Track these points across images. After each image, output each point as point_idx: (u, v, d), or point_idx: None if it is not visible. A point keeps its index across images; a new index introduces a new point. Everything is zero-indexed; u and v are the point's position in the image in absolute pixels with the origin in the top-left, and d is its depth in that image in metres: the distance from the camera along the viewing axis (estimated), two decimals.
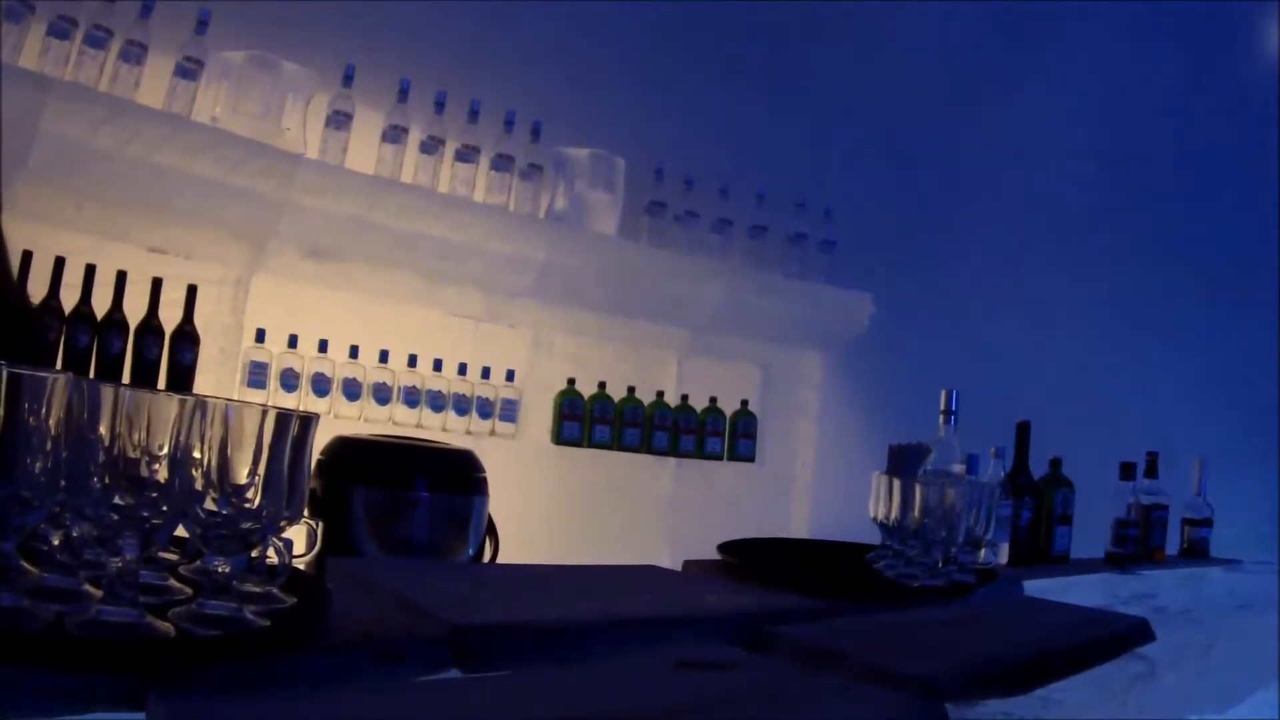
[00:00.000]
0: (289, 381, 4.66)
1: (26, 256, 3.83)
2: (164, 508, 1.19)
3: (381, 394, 4.89)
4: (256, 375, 4.60)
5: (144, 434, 1.18)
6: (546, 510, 5.01)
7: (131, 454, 1.18)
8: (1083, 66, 7.07)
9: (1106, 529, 4.27)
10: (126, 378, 4.22)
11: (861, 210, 6.29)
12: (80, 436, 1.16)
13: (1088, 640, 2.12)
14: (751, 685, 1.46)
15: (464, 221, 4.96)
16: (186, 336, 4.37)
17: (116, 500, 1.18)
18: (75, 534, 1.20)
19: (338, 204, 4.62)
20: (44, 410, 1.15)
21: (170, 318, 4.34)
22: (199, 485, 1.21)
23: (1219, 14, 7.61)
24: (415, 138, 4.94)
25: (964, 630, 2.12)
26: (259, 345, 4.61)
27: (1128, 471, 4.29)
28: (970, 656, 1.81)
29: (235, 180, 4.32)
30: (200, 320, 4.41)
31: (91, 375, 4.05)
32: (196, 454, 1.21)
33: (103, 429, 1.17)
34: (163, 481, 1.19)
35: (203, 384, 4.40)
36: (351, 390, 4.81)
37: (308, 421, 1.29)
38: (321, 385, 4.74)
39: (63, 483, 1.16)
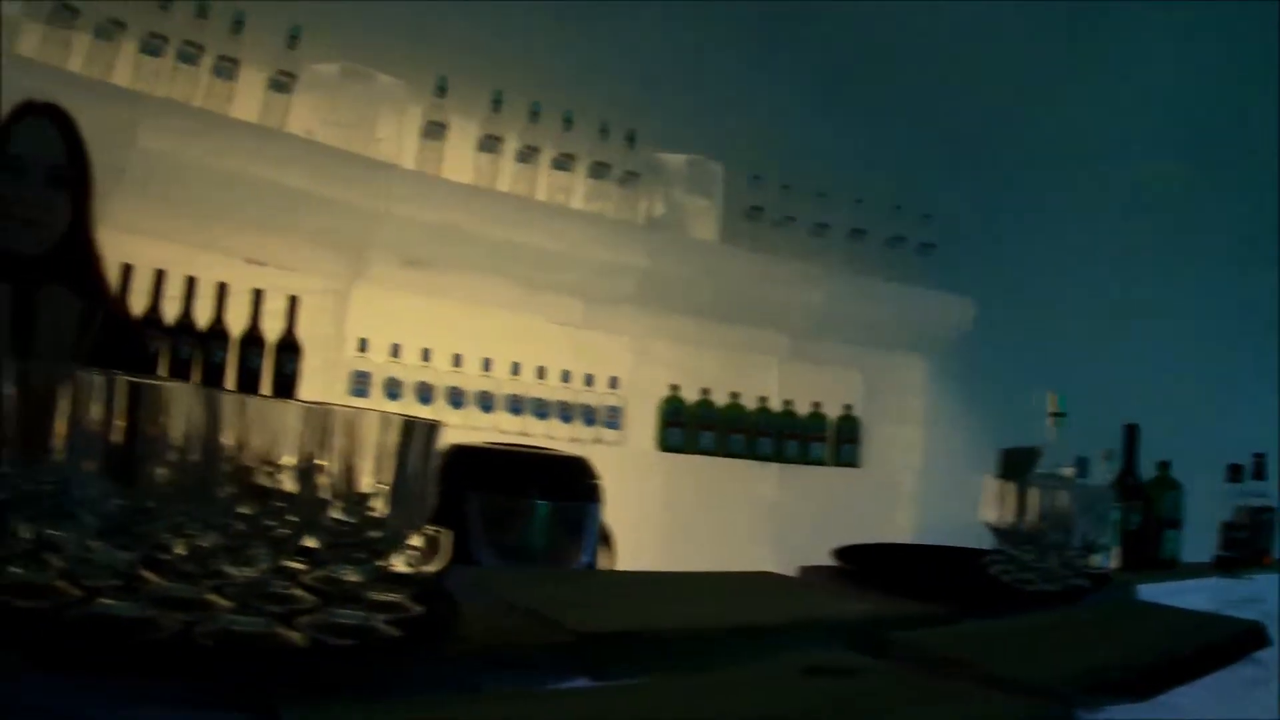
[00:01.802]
0: (393, 390, 4.70)
1: (126, 269, 3.87)
2: (291, 517, 1.18)
3: (485, 402, 4.91)
4: (360, 384, 4.64)
5: (269, 443, 1.18)
6: (653, 516, 5.00)
7: (257, 463, 1.18)
8: (1168, 58, 6.99)
9: (1212, 532, 4.19)
10: (230, 388, 4.24)
11: (960, 213, 6.25)
12: (205, 446, 1.15)
13: (1207, 643, 2.07)
14: (876, 691, 1.44)
15: (562, 229, 4.98)
16: (289, 346, 4.43)
17: (243, 510, 1.17)
18: (204, 544, 1.19)
19: (434, 213, 4.64)
20: (167, 419, 1.14)
21: (272, 328, 4.40)
22: (325, 494, 1.20)
23: None
24: (511, 147, 4.96)
25: (1083, 635, 2.09)
26: (362, 354, 4.65)
27: (1235, 473, 4.20)
28: (1092, 661, 1.77)
29: (331, 191, 4.37)
30: (302, 331, 4.46)
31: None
32: (322, 463, 1.20)
33: (227, 438, 1.16)
34: (289, 490, 1.18)
35: (306, 393, 4.43)
36: (456, 398, 4.84)
37: (433, 429, 1.28)
38: (426, 393, 4.77)
39: (189, 493, 1.15)
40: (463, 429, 4.76)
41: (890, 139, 6.11)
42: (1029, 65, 6.47)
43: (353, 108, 4.59)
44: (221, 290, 4.28)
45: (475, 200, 4.77)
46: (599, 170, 5.18)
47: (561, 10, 5.16)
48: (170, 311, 4.13)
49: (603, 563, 2.93)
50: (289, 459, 1.19)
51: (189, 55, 4.19)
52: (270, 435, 1.19)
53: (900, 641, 1.72)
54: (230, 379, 4.28)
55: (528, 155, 4.98)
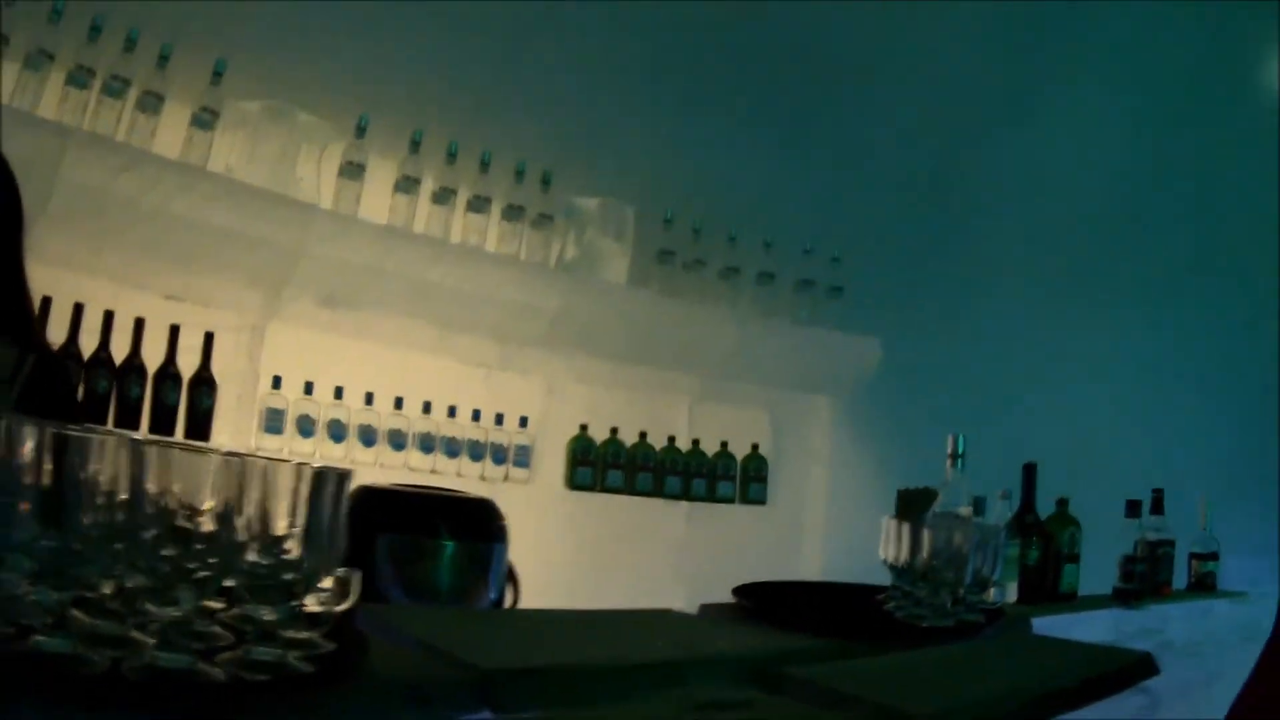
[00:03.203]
0: (305, 427, 4.71)
1: (46, 302, 3.89)
2: (211, 560, 1.25)
3: (397, 440, 4.94)
4: (273, 421, 4.65)
5: (190, 489, 1.24)
6: (561, 554, 5.03)
7: (178, 508, 1.24)
8: (1090, 106, 7.11)
9: (1115, 565, 4.31)
10: (145, 423, 4.27)
11: (869, 256, 6.33)
12: (132, 492, 1.22)
13: (1092, 675, 2.17)
14: None
15: (476, 271, 5.03)
16: (204, 382, 4.43)
17: (166, 552, 1.24)
18: (129, 584, 1.25)
19: (352, 253, 4.67)
20: (94, 468, 1.21)
21: (188, 364, 4.40)
22: (242, 538, 1.27)
23: (1227, 44, 7.66)
24: (428, 188, 5.00)
25: (972, 669, 2.18)
26: (275, 391, 4.67)
27: (1133, 509, 4.32)
28: (977, 694, 1.86)
29: (251, 229, 4.38)
30: (217, 367, 4.47)
31: (110, 420, 4.14)
32: (239, 508, 1.26)
33: (151, 485, 1.23)
34: (209, 534, 1.25)
35: (220, 429, 4.46)
36: (367, 436, 4.87)
37: (344, 477, 1.35)
38: (338, 431, 4.79)
39: (116, 536, 1.22)
40: (374, 467, 4.81)
41: (801, 183, 6.20)
42: (942, 111, 6.58)
43: (274, 145, 4.62)
44: (139, 325, 4.28)
45: (392, 241, 4.80)
46: (513, 213, 5.23)
47: (481, 53, 5.22)
48: (87, 346, 4.13)
49: (508, 601, 3.00)
50: (209, 504, 1.26)
51: (115, 89, 4.19)
52: (191, 482, 1.25)
53: (793, 676, 1.80)
54: (145, 414, 4.29)
55: (444, 197, 5.02)
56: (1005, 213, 6.81)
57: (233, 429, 4.53)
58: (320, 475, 1.32)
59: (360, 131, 4.81)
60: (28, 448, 1.22)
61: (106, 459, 1.22)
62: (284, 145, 4.66)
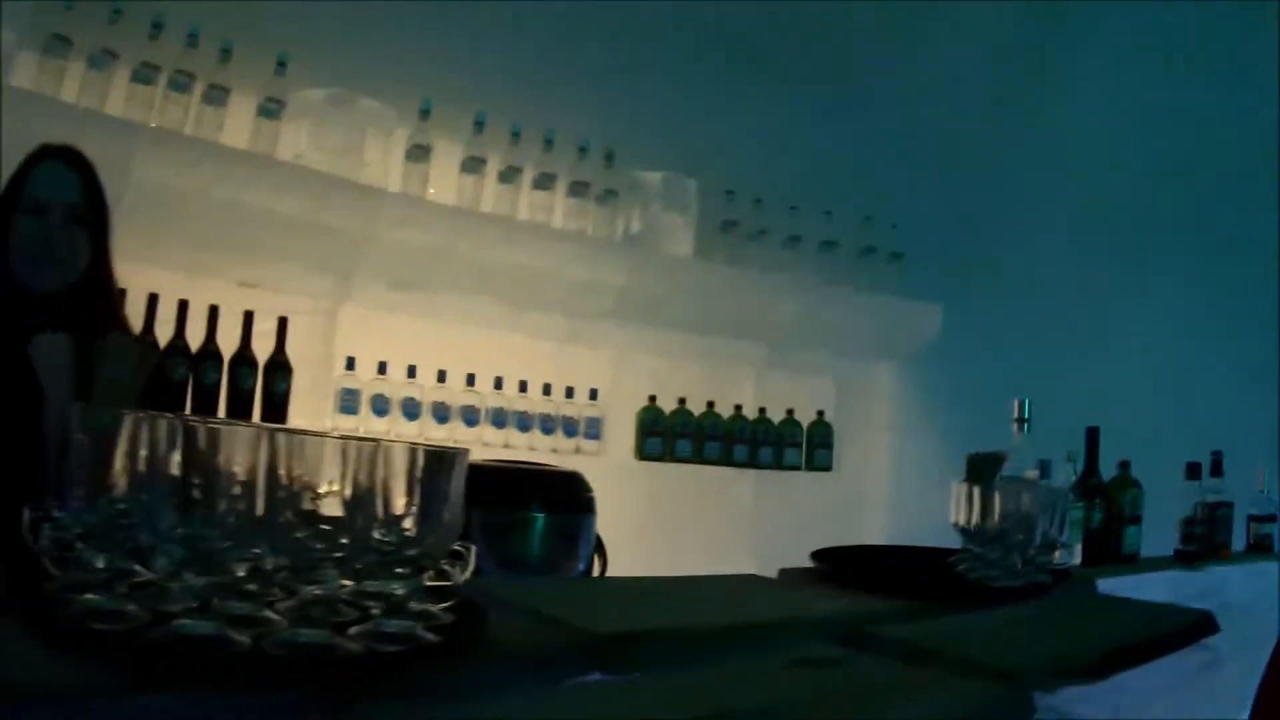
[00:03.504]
0: (380, 407, 4.80)
1: (121, 295, 3.98)
2: (342, 539, 1.34)
3: (470, 416, 5.02)
4: (348, 401, 4.74)
5: (314, 474, 1.33)
6: (634, 523, 5.08)
7: (306, 492, 1.34)
8: (1137, 75, 7.10)
9: (1175, 528, 4.35)
10: (222, 408, 4.35)
11: (928, 222, 6.36)
12: (266, 479, 1.31)
13: (1156, 633, 2.24)
14: (860, 679, 1.61)
15: (543, 248, 5.10)
16: (280, 367, 4.50)
17: (298, 534, 1.33)
18: (268, 566, 1.35)
19: (420, 235, 4.74)
20: (229, 457, 1.30)
21: (263, 349, 4.47)
22: (369, 519, 1.36)
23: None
24: (493, 168, 5.06)
25: (1043, 626, 2.25)
26: (349, 373, 4.75)
27: (1193, 471, 4.36)
28: (1050, 649, 1.94)
29: (320, 216, 4.46)
30: (291, 351, 4.53)
31: (188, 407, 4.22)
32: (365, 490, 1.35)
33: (280, 471, 1.32)
34: (337, 516, 1.34)
35: (296, 411, 4.54)
36: (441, 414, 4.95)
37: (455, 456, 1.43)
38: (411, 409, 4.87)
39: (252, 522, 1.31)
40: (448, 442, 4.86)
41: (859, 151, 6.23)
42: (996, 78, 6.60)
43: (340, 132, 4.69)
44: (213, 313, 4.34)
45: (459, 222, 4.87)
46: (578, 189, 5.30)
47: (540, 33, 5.28)
48: (162, 336, 4.18)
49: (596, 570, 3.09)
50: (326, 487, 1.34)
51: (180, 84, 4.26)
52: (314, 466, 1.34)
53: (877, 635, 1.89)
54: (223, 399, 4.36)
55: (509, 176, 5.09)
56: (1059, 176, 6.81)
57: (309, 411, 4.60)
58: (437, 455, 1.41)
59: (424, 115, 4.87)
60: (165, 441, 1.32)
61: (240, 448, 1.31)
62: (349, 131, 4.73)
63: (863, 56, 6.27)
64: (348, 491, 1.33)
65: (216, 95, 4.36)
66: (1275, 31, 7.28)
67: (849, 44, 6.24)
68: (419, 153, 4.86)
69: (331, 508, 1.34)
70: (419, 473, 1.38)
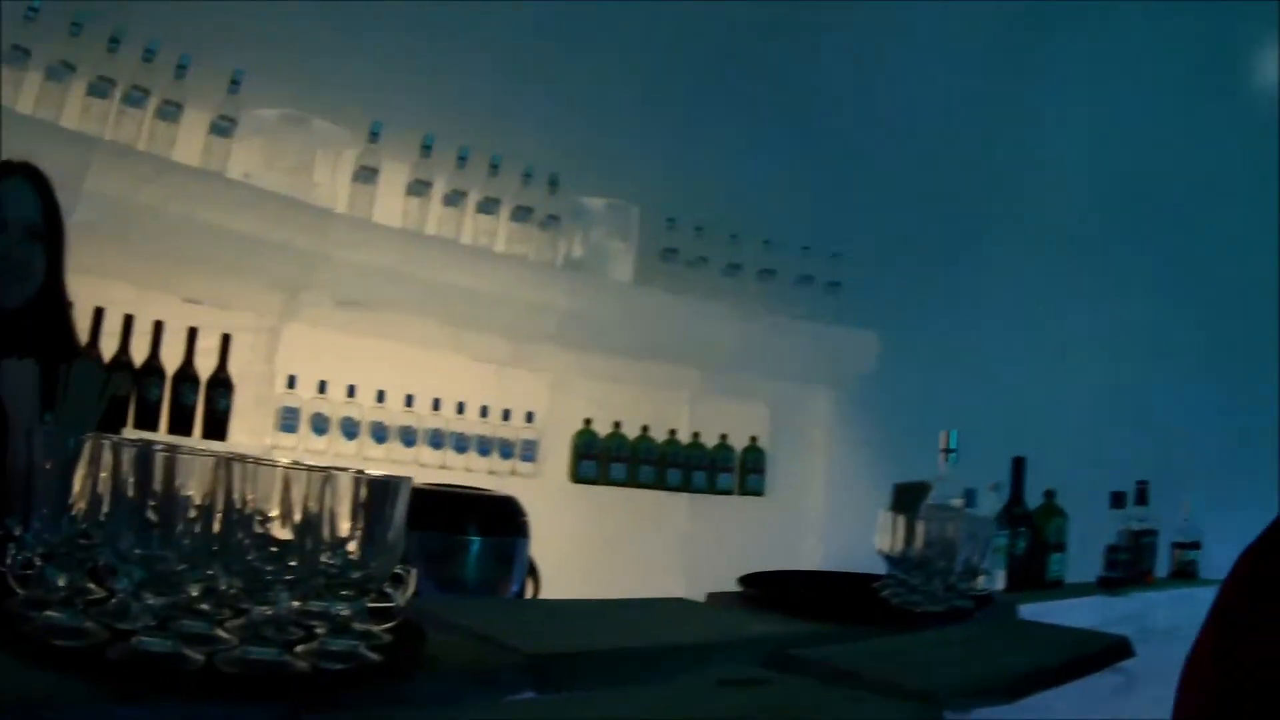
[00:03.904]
0: (320, 425, 4.83)
1: (98, 312, 4.02)
2: (292, 562, 1.42)
3: (408, 436, 5.08)
4: (289, 420, 4.77)
5: (262, 499, 1.41)
6: (567, 546, 5.11)
7: (258, 517, 1.41)
8: (1083, 103, 7.20)
9: (1101, 555, 4.45)
10: (164, 424, 4.38)
11: (867, 252, 6.43)
12: (222, 504, 1.39)
13: (1072, 656, 2.33)
14: (784, 699, 1.70)
15: (487, 271, 5.15)
16: (221, 383, 4.54)
17: (250, 558, 1.41)
18: (222, 587, 1.43)
19: (368, 255, 4.79)
20: (187, 482, 1.38)
21: (205, 366, 4.51)
22: (318, 542, 1.44)
23: (1219, 41, 7.74)
24: (439, 191, 5.12)
25: (961, 649, 2.34)
26: (290, 391, 4.78)
27: (1118, 500, 4.48)
28: (966, 672, 2.03)
29: (270, 234, 4.49)
30: (234, 368, 4.58)
31: (130, 421, 4.24)
32: (314, 515, 1.43)
33: (235, 496, 1.39)
34: (288, 540, 1.42)
35: (237, 428, 4.58)
36: (379, 433, 4.99)
37: (399, 484, 1.51)
38: (350, 429, 4.91)
39: (214, 545, 1.39)
40: (385, 462, 4.92)
41: (800, 181, 6.30)
42: (937, 112, 6.70)
43: (291, 152, 4.73)
44: (158, 328, 4.38)
45: (406, 243, 4.92)
46: (522, 214, 5.35)
47: (489, 59, 5.34)
48: (107, 349, 4.20)
49: (529, 592, 3.17)
50: (276, 511, 1.42)
51: (136, 98, 4.30)
52: (266, 492, 1.41)
53: (800, 657, 1.98)
54: (164, 415, 4.39)
55: (455, 199, 5.15)
56: (1000, 209, 6.91)
57: (250, 428, 4.64)
58: (382, 484, 1.49)
59: (374, 137, 4.92)
60: (125, 466, 1.39)
61: (198, 474, 1.39)
62: (300, 151, 4.77)
63: (806, 89, 6.36)
64: (297, 517, 1.41)
65: (170, 111, 4.39)
66: (1225, 62, 7.43)
67: (792, 76, 6.33)
68: (367, 174, 4.91)
69: (282, 532, 1.42)
70: (364, 500, 1.46)
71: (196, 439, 4.41)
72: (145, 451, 1.38)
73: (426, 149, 5.09)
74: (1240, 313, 7.58)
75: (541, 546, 3.23)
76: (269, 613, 1.41)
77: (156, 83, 4.38)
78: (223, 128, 4.55)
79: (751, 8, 6.09)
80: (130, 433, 3.96)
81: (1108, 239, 7.22)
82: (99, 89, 4.25)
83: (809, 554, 6.16)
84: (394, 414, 5.06)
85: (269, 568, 1.41)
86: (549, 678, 1.66)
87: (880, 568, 2.82)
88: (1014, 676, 2.02)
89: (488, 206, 5.26)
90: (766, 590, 2.69)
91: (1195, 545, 4.97)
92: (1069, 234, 7.11)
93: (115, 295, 4.27)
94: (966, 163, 6.76)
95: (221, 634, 1.41)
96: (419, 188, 5.07)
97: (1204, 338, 7.43)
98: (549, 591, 3.32)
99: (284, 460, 1.49)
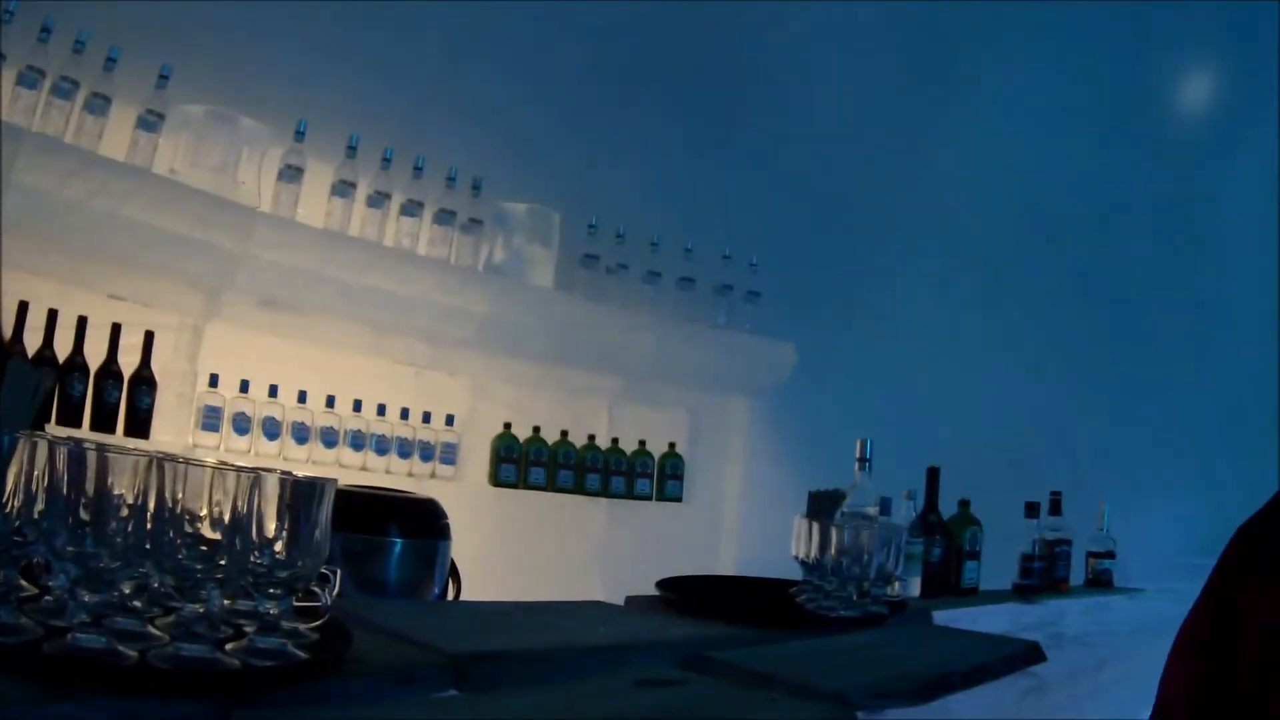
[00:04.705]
0: (241, 425, 4.82)
1: (22, 307, 4.00)
2: (222, 561, 1.45)
3: (329, 437, 5.08)
4: (210, 419, 4.75)
5: (191, 499, 1.44)
6: (486, 549, 5.12)
7: (187, 516, 1.44)
8: (997, 120, 7.32)
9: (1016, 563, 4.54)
10: (87, 420, 4.35)
11: (787, 262, 6.50)
12: (154, 503, 1.42)
13: (982, 660, 2.39)
14: (699, 700, 1.75)
15: (408, 274, 5.15)
16: (144, 381, 4.52)
17: (181, 556, 1.44)
18: (155, 585, 1.46)
19: (290, 256, 4.77)
20: (121, 482, 1.41)
21: (129, 363, 4.49)
22: (247, 542, 1.47)
23: (1131, 66, 7.88)
24: (363, 192, 5.12)
25: (874, 653, 2.40)
26: (212, 390, 4.77)
27: (1032, 510, 4.56)
28: (878, 674, 2.09)
29: (194, 232, 4.46)
30: (157, 366, 4.56)
31: (53, 418, 4.23)
32: (242, 515, 1.46)
33: (166, 496, 1.42)
34: (217, 540, 1.45)
35: (159, 427, 4.55)
36: (300, 434, 4.99)
37: (324, 486, 1.55)
38: (272, 429, 4.90)
39: (146, 544, 1.42)
40: (307, 463, 4.92)
41: (721, 191, 6.37)
42: (855, 121, 6.78)
43: (217, 149, 4.72)
44: (81, 324, 4.35)
45: (329, 244, 4.91)
46: (444, 217, 5.36)
47: (416, 62, 5.37)
48: (31, 344, 4.17)
49: (450, 594, 3.19)
50: (206, 511, 1.45)
51: (64, 90, 4.27)
52: (198, 493, 1.44)
53: (717, 659, 2.03)
54: (87, 412, 4.36)
55: (378, 201, 5.15)
56: (915, 223, 7.00)
57: (171, 427, 4.62)
58: (309, 485, 1.52)
59: (299, 136, 4.92)
60: (59, 465, 1.41)
61: (129, 474, 1.42)
62: (226, 149, 4.76)
63: (727, 98, 6.42)
64: (226, 517, 1.44)
65: (98, 104, 4.36)
66: (1133, 86, 7.56)
67: (714, 85, 6.38)
68: (291, 173, 4.90)
69: (211, 532, 1.45)
70: (290, 501, 1.50)
71: (119, 437, 4.39)
72: (79, 451, 1.41)
73: (352, 150, 5.08)
74: (1151, 326, 7.72)
75: (461, 549, 3.26)
76: (200, 610, 1.44)
77: (85, 75, 4.35)
78: (150, 123, 4.52)
79: (676, 16, 6.13)
80: (54, 429, 3.94)
81: (1020, 253, 7.34)
82: (28, 80, 4.22)
83: (726, 559, 6.20)
84: (315, 415, 5.06)
85: (199, 566, 1.44)
86: (470, 678, 1.70)
87: (796, 573, 2.87)
88: (925, 679, 2.07)
89: (411, 209, 5.27)
90: (684, 594, 2.74)
91: (1109, 554, 5.08)
92: (982, 248, 7.21)
93: (39, 290, 4.24)
94: (883, 177, 6.85)
95: (154, 631, 1.44)
96: (343, 188, 5.06)
97: (1116, 351, 7.57)
98: (469, 594, 3.35)
99: (211, 460, 1.52)
